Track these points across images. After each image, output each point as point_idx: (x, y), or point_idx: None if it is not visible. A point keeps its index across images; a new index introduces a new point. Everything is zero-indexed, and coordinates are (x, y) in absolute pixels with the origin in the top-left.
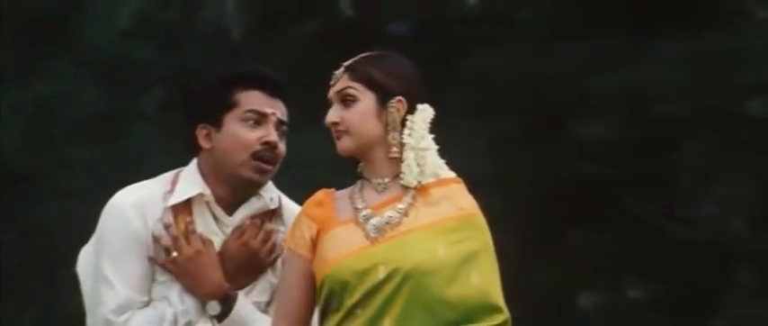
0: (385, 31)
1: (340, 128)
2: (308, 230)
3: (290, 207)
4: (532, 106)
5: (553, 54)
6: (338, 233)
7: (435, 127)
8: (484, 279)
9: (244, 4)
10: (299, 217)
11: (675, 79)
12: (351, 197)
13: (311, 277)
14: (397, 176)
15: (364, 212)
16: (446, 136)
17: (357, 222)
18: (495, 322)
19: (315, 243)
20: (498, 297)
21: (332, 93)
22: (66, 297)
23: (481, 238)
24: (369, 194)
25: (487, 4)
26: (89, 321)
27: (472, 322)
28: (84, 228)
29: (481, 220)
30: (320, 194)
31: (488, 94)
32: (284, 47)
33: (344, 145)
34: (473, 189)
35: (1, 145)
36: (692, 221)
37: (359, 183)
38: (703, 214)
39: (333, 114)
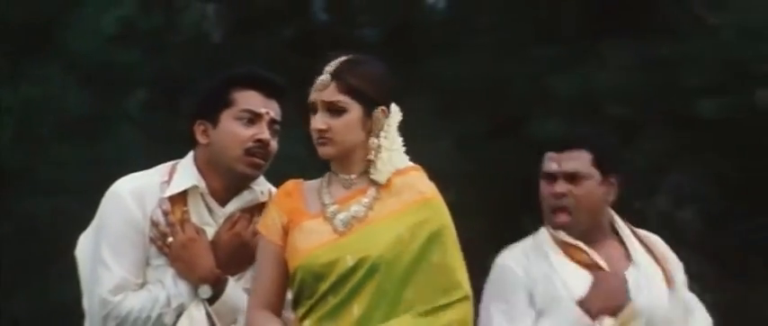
0: (355, 35)
1: (326, 135)
2: (278, 219)
3: None
4: (494, 107)
5: (513, 58)
6: (308, 226)
7: (404, 127)
8: (444, 258)
9: (223, 10)
10: (270, 206)
11: (628, 81)
12: (318, 191)
13: (284, 263)
14: (365, 171)
15: (331, 208)
16: (413, 136)
17: (325, 217)
18: (455, 298)
19: (286, 231)
20: (459, 274)
21: (318, 99)
22: (55, 287)
23: (440, 219)
24: (336, 188)
25: (451, 11)
26: (86, 301)
27: (434, 300)
28: (71, 221)
29: (440, 202)
30: (289, 185)
31: (453, 95)
32: (261, 50)
33: (328, 152)
34: (439, 185)
35: None
36: (642, 214)
37: (327, 176)
38: (654, 207)
39: (320, 122)
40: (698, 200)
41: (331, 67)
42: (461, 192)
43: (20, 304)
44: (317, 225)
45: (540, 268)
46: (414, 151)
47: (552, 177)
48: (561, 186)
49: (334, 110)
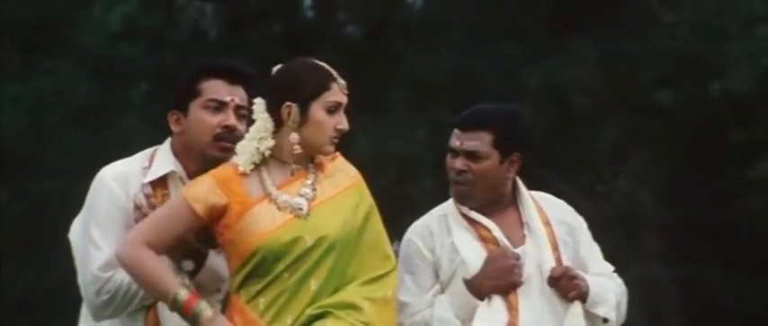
0: (340, 32)
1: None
2: (213, 198)
3: None
4: (466, 98)
5: (484, 52)
6: (258, 211)
7: (382, 117)
8: (376, 234)
9: (218, 9)
10: (206, 179)
11: (592, 74)
12: (258, 177)
13: (191, 231)
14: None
15: (276, 193)
16: (391, 125)
17: (272, 201)
18: (389, 268)
19: (215, 210)
20: (388, 247)
21: (344, 101)
22: (63, 262)
23: (369, 199)
24: (276, 174)
25: (428, 9)
26: (80, 278)
27: (372, 271)
28: (77, 201)
29: (364, 183)
30: (230, 171)
31: (428, 88)
32: (253, 45)
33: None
34: (413, 170)
35: (7, 130)
36: (605, 195)
37: (267, 163)
38: (615, 189)
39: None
40: (653, 182)
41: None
42: (436, 178)
43: (29, 277)
44: (268, 210)
45: (443, 243)
46: (392, 140)
47: (455, 153)
48: (461, 163)
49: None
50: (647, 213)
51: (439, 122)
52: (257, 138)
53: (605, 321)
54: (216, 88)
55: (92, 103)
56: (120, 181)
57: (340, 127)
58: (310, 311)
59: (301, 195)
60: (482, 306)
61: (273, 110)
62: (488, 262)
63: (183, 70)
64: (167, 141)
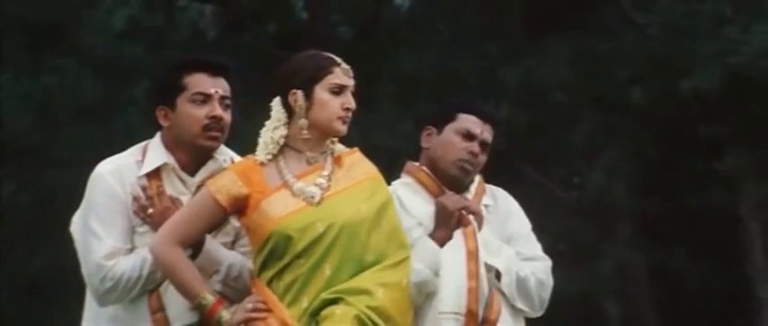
0: (331, 32)
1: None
2: (235, 188)
3: None
4: (449, 94)
5: (466, 51)
6: (278, 197)
7: (369, 111)
8: (391, 225)
9: (216, 11)
10: (228, 173)
11: (567, 71)
12: (276, 167)
13: (217, 223)
14: (323, 151)
15: (294, 182)
16: (379, 119)
17: (289, 189)
18: (404, 256)
19: (238, 201)
20: (403, 237)
21: (349, 83)
22: (70, 249)
23: (386, 192)
24: (294, 164)
25: (413, 11)
26: (83, 268)
27: (388, 258)
28: (82, 192)
29: (382, 179)
30: (249, 162)
31: (414, 85)
32: (249, 45)
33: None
34: (399, 162)
35: (16, 124)
36: (581, 187)
37: (283, 153)
38: (590, 181)
39: (353, 102)
40: (626, 174)
41: (343, 62)
42: None
43: (37, 263)
44: (283, 197)
45: (414, 211)
46: (380, 133)
47: (472, 138)
48: (476, 149)
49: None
50: (620, 203)
51: (422, 115)
52: (272, 128)
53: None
54: (200, 82)
55: (96, 99)
56: (115, 175)
57: (347, 106)
58: (324, 295)
59: (316, 185)
60: (446, 247)
61: (283, 100)
62: (438, 210)
63: (165, 66)
64: (158, 135)
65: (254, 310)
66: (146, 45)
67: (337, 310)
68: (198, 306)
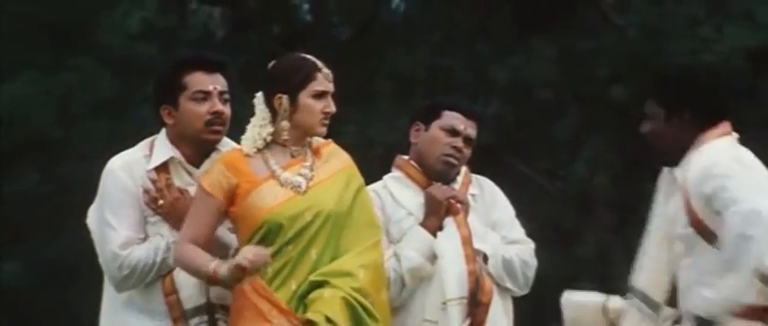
0: (331, 33)
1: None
2: (225, 180)
3: None
4: (442, 91)
5: (458, 51)
6: (267, 188)
7: (368, 108)
8: (365, 209)
9: (225, 12)
10: (217, 166)
11: (552, 70)
12: (262, 159)
13: (219, 215)
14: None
15: (281, 173)
16: (376, 114)
17: (275, 178)
18: (376, 238)
19: (233, 191)
20: (376, 219)
21: (330, 88)
22: (87, 237)
23: (359, 180)
24: (279, 156)
25: (408, 12)
26: (101, 258)
27: (363, 242)
28: (98, 182)
29: (355, 167)
30: (235, 154)
31: (409, 82)
32: (255, 44)
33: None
34: (395, 155)
35: (38, 119)
36: (565, 178)
37: (268, 147)
38: (574, 172)
39: (333, 106)
40: (607, 166)
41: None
42: None
43: (56, 248)
44: (272, 187)
45: (404, 202)
46: (377, 129)
47: (456, 134)
48: (460, 144)
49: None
50: (601, 193)
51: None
52: (258, 125)
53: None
54: (199, 80)
55: (113, 95)
56: (125, 170)
57: (327, 110)
58: (312, 277)
59: (301, 175)
60: (440, 236)
61: (269, 101)
62: (427, 200)
63: (163, 66)
64: (163, 131)
65: (256, 256)
66: (159, 45)
67: (325, 293)
68: (207, 277)
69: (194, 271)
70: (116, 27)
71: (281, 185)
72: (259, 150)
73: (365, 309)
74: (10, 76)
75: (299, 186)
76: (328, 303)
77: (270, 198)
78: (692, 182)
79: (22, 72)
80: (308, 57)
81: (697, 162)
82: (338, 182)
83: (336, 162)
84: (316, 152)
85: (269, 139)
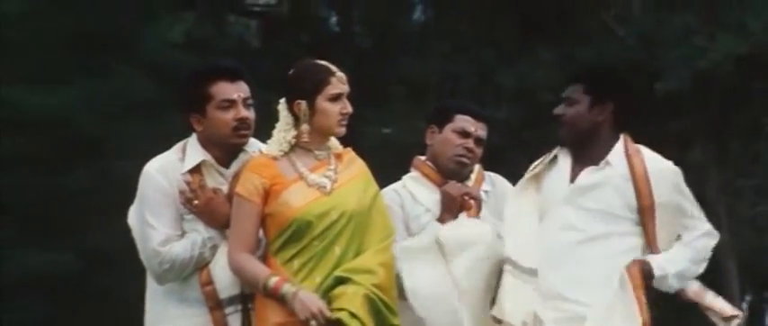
0: (354, 42)
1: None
2: (260, 184)
3: None
4: (453, 95)
5: (467, 58)
6: (296, 188)
7: (384, 110)
8: (382, 213)
9: (259, 24)
10: (248, 174)
11: (555, 75)
12: (289, 162)
13: (260, 217)
14: (327, 148)
15: (308, 175)
16: (392, 116)
17: (304, 181)
18: (391, 239)
19: (267, 192)
20: (389, 221)
21: (345, 90)
22: (126, 228)
23: (375, 186)
24: (305, 160)
25: (422, 23)
26: (142, 254)
27: (381, 241)
28: (138, 179)
29: (370, 173)
30: (263, 159)
31: (423, 87)
32: (285, 52)
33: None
34: (409, 153)
35: (86, 121)
36: None
37: (294, 150)
38: None
39: (350, 107)
40: None
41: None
42: None
43: (98, 240)
44: (300, 188)
45: (422, 200)
46: (393, 129)
47: (467, 135)
48: (471, 144)
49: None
50: None
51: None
52: (282, 130)
53: None
54: (224, 90)
55: (154, 100)
56: (161, 172)
57: (344, 111)
58: (337, 273)
59: (326, 177)
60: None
61: (290, 107)
62: (443, 197)
63: (187, 77)
64: (194, 136)
65: (316, 313)
66: (198, 54)
67: (348, 289)
68: (265, 289)
69: (251, 282)
70: (159, 37)
71: (309, 185)
72: (285, 154)
73: (385, 303)
74: (61, 82)
75: (325, 187)
76: (351, 298)
77: (299, 198)
78: (655, 174)
79: (73, 79)
80: (323, 63)
81: (651, 159)
82: (358, 185)
83: (356, 167)
84: (338, 157)
85: (293, 142)
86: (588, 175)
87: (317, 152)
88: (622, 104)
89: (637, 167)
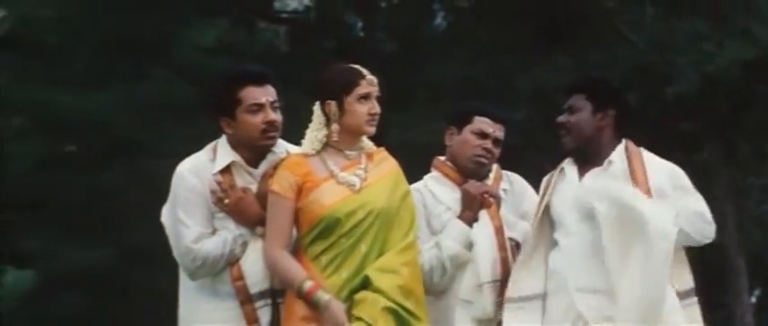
0: (379, 48)
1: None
2: (294, 181)
3: (296, 152)
4: (474, 98)
5: (488, 62)
6: (327, 187)
7: (408, 113)
8: (410, 212)
9: (288, 30)
10: (282, 172)
11: (570, 79)
12: (321, 161)
13: (294, 213)
14: (358, 148)
15: (339, 174)
16: (417, 119)
17: (334, 179)
18: (415, 237)
19: (300, 190)
20: (416, 221)
21: (374, 91)
22: (157, 227)
23: (405, 185)
24: (336, 159)
25: (444, 29)
26: (175, 251)
27: (404, 239)
28: (171, 180)
29: (402, 173)
30: (296, 158)
31: (444, 90)
32: (313, 57)
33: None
34: (432, 154)
35: (123, 123)
36: None
37: (326, 149)
38: None
39: (378, 107)
40: None
41: (369, 73)
42: None
43: (135, 237)
44: (331, 186)
45: (443, 199)
46: (418, 131)
47: (486, 136)
48: (490, 145)
49: (378, 99)
50: None
51: None
52: (315, 129)
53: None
54: (252, 94)
55: (187, 102)
56: (193, 173)
57: (372, 112)
58: (367, 271)
59: (356, 176)
60: (475, 226)
61: (322, 108)
62: (463, 196)
63: (217, 82)
64: (223, 137)
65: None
66: (230, 58)
67: (369, 297)
68: (299, 291)
69: (286, 280)
70: (192, 43)
71: (339, 183)
72: (317, 153)
73: (407, 310)
74: (100, 86)
75: (354, 185)
76: (370, 308)
77: (329, 196)
78: (662, 178)
79: (110, 82)
80: (354, 66)
81: (651, 157)
82: (388, 184)
83: (387, 166)
84: (369, 157)
85: (324, 141)
86: (594, 176)
87: (347, 152)
88: (623, 109)
89: (635, 164)
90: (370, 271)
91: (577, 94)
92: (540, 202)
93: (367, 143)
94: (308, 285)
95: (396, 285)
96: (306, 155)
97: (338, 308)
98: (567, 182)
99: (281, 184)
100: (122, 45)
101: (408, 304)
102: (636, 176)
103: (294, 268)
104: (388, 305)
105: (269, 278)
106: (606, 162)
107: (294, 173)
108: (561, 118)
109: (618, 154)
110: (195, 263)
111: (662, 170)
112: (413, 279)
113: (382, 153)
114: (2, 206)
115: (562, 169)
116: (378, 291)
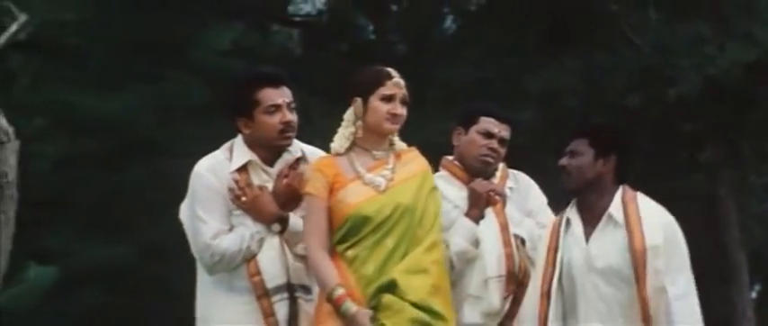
0: (391, 50)
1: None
2: (325, 181)
3: (311, 152)
4: (484, 99)
5: (496, 64)
6: (352, 187)
7: (419, 114)
8: (435, 209)
9: (301, 33)
10: (314, 174)
11: (577, 81)
12: (349, 162)
13: (329, 213)
14: (386, 149)
15: (366, 174)
16: (428, 120)
17: (361, 180)
18: (440, 235)
19: (331, 190)
20: (441, 219)
21: (399, 93)
22: (175, 224)
23: (432, 182)
24: (363, 160)
25: (456, 31)
26: (193, 247)
27: (431, 237)
28: (188, 179)
29: (431, 171)
30: (327, 159)
31: (455, 91)
32: (326, 60)
33: (396, 129)
34: (444, 153)
35: (143, 123)
36: None
37: (354, 150)
38: None
39: (402, 109)
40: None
41: (397, 75)
42: None
43: (153, 234)
44: (358, 186)
45: (451, 197)
46: (430, 131)
47: (491, 136)
48: (495, 145)
49: (405, 102)
50: None
51: None
52: (344, 127)
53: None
54: (269, 95)
55: (204, 103)
56: (211, 171)
57: (393, 112)
58: (394, 274)
59: (382, 176)
60: (482, 223)
61: (349, 105)
62: (470, 194)
63: (234, 84)
64: (240, 137)
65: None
66: (245, 60)
67: (395, 305)
68: (328, 297)
69: (320, 283)
70: (208, 45)
71: (365, 184)
72: (346, 152)
73: (435, 314)
74: (119, 88)
75: (380, 186)
76: (395, 317)
77: (354, 196)
78: (655, 227)
79: (129, 84)
80: (384, 68)
81: (646, 205)
82: (415, 182)
83: (415, 166)
84: (398, 156)
85: (351, 138)
86: (597, 241)
87: (374, 152)
88: (624, 155)
89: (630, 212)
90: (398, 273)
91: (581, 138)
92: (549, 251)
93: (399, 143)
94: (339, 292)
95: (428, 284)
96: (336, 155)
97: (364, 318)
98: (575, 238)
99: (315, 185)
100: (140, 47)
101: (437, 304)
102: (631, 225)
103: (329, 272)
104: (415, 316)
105: (285, 273)
106: (606, 216)
107: (325, 174)
108: (563, 161)
109: (616, 204)
110: (213, 259)
111: (657, 219)
112: (441, 277)
113: (412, 152)
114: (24, 205)
115: (568, 221)
116: (405, 297)
